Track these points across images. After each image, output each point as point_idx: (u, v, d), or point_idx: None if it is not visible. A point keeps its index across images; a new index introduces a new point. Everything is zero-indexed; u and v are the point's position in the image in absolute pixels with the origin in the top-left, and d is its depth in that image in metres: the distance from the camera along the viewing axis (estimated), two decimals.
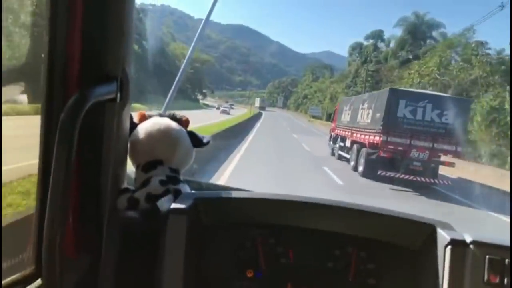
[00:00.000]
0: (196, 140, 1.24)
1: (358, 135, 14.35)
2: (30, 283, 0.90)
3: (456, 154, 12.64)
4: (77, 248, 0.98)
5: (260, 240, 1.17)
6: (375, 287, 1.12)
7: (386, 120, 12.21)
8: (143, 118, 1.23)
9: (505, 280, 0.95)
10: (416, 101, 12.20)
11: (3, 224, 1.03)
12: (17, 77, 1.29)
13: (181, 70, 1.88)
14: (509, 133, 18.02)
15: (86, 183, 0.99)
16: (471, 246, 0.97)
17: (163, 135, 1.18)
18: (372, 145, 12.84)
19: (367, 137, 13.38)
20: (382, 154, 12.31)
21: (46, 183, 0.80)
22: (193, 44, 2.00)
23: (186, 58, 1.96)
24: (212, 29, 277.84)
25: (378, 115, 12.82)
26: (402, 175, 11.97)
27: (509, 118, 20.13)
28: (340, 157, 16.49)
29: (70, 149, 0.78)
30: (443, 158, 12.69)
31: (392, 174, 12.00)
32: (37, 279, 0.90)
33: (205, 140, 1.26)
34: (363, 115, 14.54)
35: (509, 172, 16.70)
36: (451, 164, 12.72)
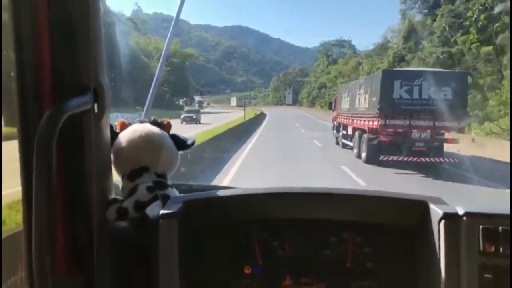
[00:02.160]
0: (179, 143, 1.27)
1: (358, 122, 14.63)
2: None
3: (459, 130, 12.81)
4: (69, 266, 1.00)
5: (255, 235, 1.20)
6: (374, 270, 1.17)
7: (382, 103, 12.47)
8: (124, 126, 1.25)
9: (500, 248, 0.98)
10: (411, 80, 12.42)
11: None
12: None
13: (158, 69, 1.87)
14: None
15: (71, 198, 1.00)
16: (464, 218, 1.01)
17: (145, 141, 1.20)
18: (372, 130, 13.10)
19: (366, 122, 13.65)
20: (382, 138, 12.55)
21: (30, 201, 0.80)
22: (168, 36, 1.96)
23: (163, 54, 1.93)
24: (209, 32, 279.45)
25: (374, 99, 13.08)
26: (406, 158, 12.21)
27: None
28: (344, 146, 16.79)
29: (49, 165, 0.79)
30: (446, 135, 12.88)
31: (394, 158, 12.23)
32: None
33: (189, 142, 1.30)
34: (361, 100, 14.82)
35: None
36: (455, 141, 12.89)
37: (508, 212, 1.02)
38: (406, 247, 1.15)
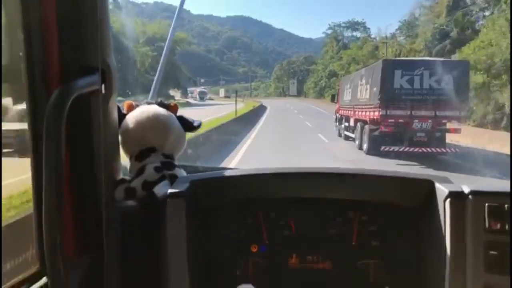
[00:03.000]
0: (187, 124, 1.31)
1: (360, 113, 14.78)
2: (36, 282, 0.95)
3: (461, 120, 12.91)
4: (79, 245, 1.03)
5: (261, 215, 1.25)
6: (379, 248, 1.20)
7: (383, 94, 12.61)
8: (131, 107, 1.29)
9: (506, 225, 1.01)
10: (412, 70, 12.55)
11: (7, 222, 1.07)
12: None
13: (163, 56, 1.92)
14: None
15: (80, 179, 1.02)
16: (470, 196, 1.03)
17: (153, 122, 1.24)
18: (374, 121, 13.25)
19: (367, 113, 13.79)
20: (383, 129, 12.71)
21: (40, 182, 0.82)
22: (173, 24, 2.00)
23: (166, 44, 1.95)
24: (211, 22, 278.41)
25: (375, 89, 13.23)
26: (407, 148, 12.35)
27: None
28: (347, 138, 16.96)
29: (59, 144, 0.81)
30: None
31: (396, 148, 12.38)
32: (42, 277, 0.94)
33: (195, 124, 1.33)
34: (362, 92, 14.96)
35: None
36: (457, 131, 13.01)
37: None
38: (411, 225, 1.19)
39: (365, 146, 13.81)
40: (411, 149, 12.34)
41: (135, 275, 1.12)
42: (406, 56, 27.91)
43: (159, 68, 1.85)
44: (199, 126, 1.34)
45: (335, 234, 1.22)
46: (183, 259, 1.06)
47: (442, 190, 1.08)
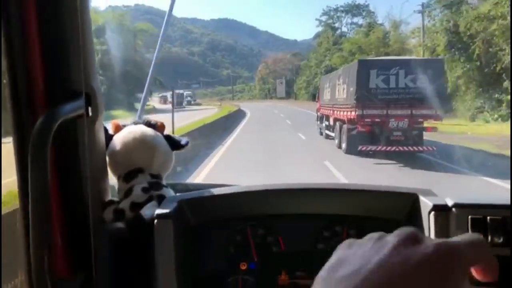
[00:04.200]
0: (173, 143, 1.33)
1: (338, 112, 15.15)
2: None
3: (437, 118, 13.34)
4: (69, 267, 1.05)
5: (250, 232, 1.28)
6: None
7: (359, 94, 12.98)
8: (118, 128, 1.31)
9: (489, 237, 1.03)
10: (387, 69, 12.96)
11: None
12: None
13: (151, 68, 1.89)
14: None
15: (68, 202, 1.05)
16: (453, 209, 1.07)
17: (139, 142, 1.26)
18: (351, 121, 13.60)
19: (345, 113, 14.15)
20: (360, 128, 13.07)
21: (27, 206, 0.84)
22: (162, 29, 1.92)
23: (155, 55, 1.88)
24: (195, 25, 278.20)
25: (351, 89, 13.60)
26: (384, 147, 12.72)
27: None
28: (327, 136, 17.32)
29: (45, 169, 0.84)
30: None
31: (373, 147, 12.74)
32: None
33: (183, 142, 1.35)
34: (340, 91, 15.36)
35: None
36: (434, 129, 13.46)
37: (497, 202, 1.09)
38: None
39: (343, 145, 14.19)
40: (388, 148, 12.69)
41: None
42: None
43: (146, 85, 1.87)
44: (186, 144, 1.36)
45: (324, 248, 1.26)
46: (172, 280, 1.09)
47: (426, 203, 1.12)
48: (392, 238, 0.46)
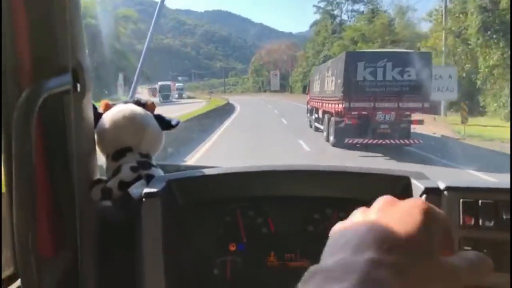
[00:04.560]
0: (164, 123, 1.33)
1: (327, 105, 15.24)
2: (11, 284, 0.98)
3: (424, 111, 13.49)
4: (54, 246, 1.05)
5: (239, 213, 1.28)
6: None
7: (346, 86, 13.09)
8: (108, 107, 1.31)
9: (480, 221, 1.03)
10: (375, 62, 13.05)
11: None
12: None
13: (143, 54, 1.91)
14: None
15: (55, 179, 1.05)
16: (445, 192, 1.06)
17: (129, 121, 1.25)
18: (338, 113, 13.67)
19: (333, 105, 14.23)
20: (347, 121, 13.19)
21: (11, 184, 0.84)
22: (154, 19, 1.98)
23: (147, 39, 1.94)
24: (188, 16, 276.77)
25: (339, 81, 13.69)
26: (371, 140, 12.84)
27: None
28: (317, 129, 17.43)
29: (29, 145, 0.82)
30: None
31: (359, 140, 12.85)
32: (17, 279, 0.96)
33: (173, 122, 1.35)
34: (329, 83, 15.45)
35: None
36: (420, 122, 13.61)
37: (488, 186, 1.08)
38: None
39: (331, 138, 14.27)
40: (375, 141, 12.81)
41: (111, 276, 1.14)
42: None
43: (138, 67, 1.89)
44: (177, 124, 1.36)
45: (313, 231, 1.26)
46: (159, 259, 1.08)
47: (417, 186, 1.11)
48: (375, 205, 0.54)
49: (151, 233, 1.09)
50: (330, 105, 14.69)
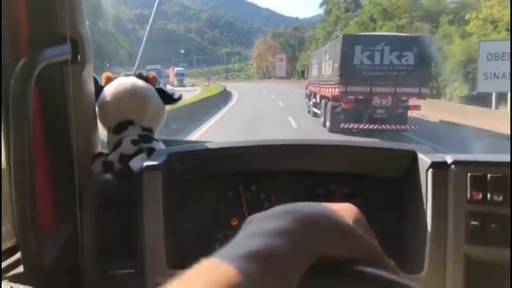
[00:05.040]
0: (166, 97, 1.34)
1: (324, 89, 15.20)
2: (12, 255, 1.00)
3: (421, 96, 13.40)
4: (54, 218, 1.06)
5: (242, 187, 1.27)
6: None
7: (343, 70, 13.05)
8: (109, 80, 1.31)
9: (488, 195, 1.02)
10: (372, 45, 12.98)
11: None
12: None
13: (147, 29, 1.98)
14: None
15: (55, 152, 1.05)
16: (453, 166, 1.05)
17: (130, 94, 1.26)
18: (335, 98, 13.66)
19: (330, 89, 14.20)
20: (343, 105, 13.16)
21: (10, 155, 0.85)
22: (156, 3, 2.08)
23: (149, 24, 2.03)
24: (193, 1, 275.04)
25: (336, 65, 13.65)
26: (367, 125, 12.85)
27: None
28: (315, 114, 17.40)
29: (27, 116, 0.83)
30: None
31: (355, 125, 12.86)
32: (18, 251, 0.99)
33: (176, 96, 1.36)
34: (326, 67, 15.40)
35: None
36: (416, 108, 13.53)
37: (497, 160, 1.08)
38: (394, 196, 1.21)
39: (327, 123, 14.27)
40: (371, 126, 12.82)
41: (111, 248, 1.14)
42: None
43: (143, 42, 1.94)
44: (179, 98, 1.37)
45: None
46: (160, 232, 1.09)
47: (424, 160, 1.10)
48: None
49: (152, 206, 1.09)
50: (327, 89, 14.64)
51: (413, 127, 13.22)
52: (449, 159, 1.07)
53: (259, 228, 0.45)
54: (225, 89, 34.87)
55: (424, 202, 1.08)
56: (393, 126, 12.94)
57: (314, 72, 18.14)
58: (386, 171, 1.22)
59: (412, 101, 13.52)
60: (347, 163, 1.25)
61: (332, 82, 13.94)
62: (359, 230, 0.51)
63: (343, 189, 1.25)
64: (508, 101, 16.69)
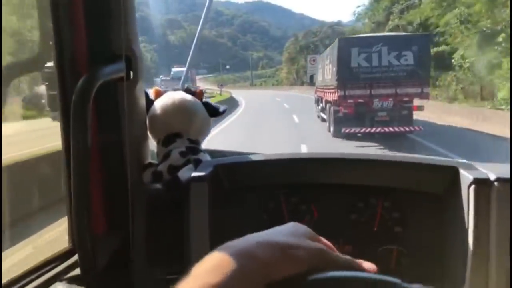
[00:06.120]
0: (212, 110, 1.42)
1: (327, 94, 15.33)
2: (67, 259, 1.08)
3: (423, 96, 13.29)
4: (108, 225, 1.14)
5: (283, 199, 1.31)
6: (401, 235, 1.23)
7: (340, 74, 13.16)
8: (159, 94, 1.40)
9: None
10: (369, 47, 13.05)
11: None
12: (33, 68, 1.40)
13: (194, 41, 2.10)
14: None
15: (108, 162, 1.14)
16: (496, 183, 1.03)
17: (178, 108, 1.35)
18: (335, 102, 13.76)
19: (331, 94, 14.34)
20: (343, 110, 13.25)
21: (70, 168, 0.93)
22: (201, 20, 2.20)
23: (198, 30, 2.17)
24: (226, 7, 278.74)
25: (334, 69, 13.76)
26: (369, 129, 12.86)
27: None
28: (323, 119, 17.36)
29: (85, 129, 0.91)
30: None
31: (357, 129, 12.91)
32: (74, 255, 1.07)
33: (221, 109, 1.44)
34: (327, 72, 15.54)
35: None
36: (419, 108, 13.47)
37: None
38: (435, 212, 1.21)
39: (331, 128, 14.36)
40: (373, 130, 12.83)
41: (160, 254, 1.22)
42: None
43: (190, 56, 2.10)
44: (224, 111, 1.46)
45: (357, 219, 1.27)
46: (205, 241, 1.14)
47: (466, 176, 1.09)
48: None
49: (198, 215, 1.14)
50: (329, 94, 14.77)
51: (417, 128, 13.09)
52: (492, 176, 1.06)
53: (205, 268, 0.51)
54: (231, 97, 30.38)
55: (466, 218, 1.07)
56: (395, 129, 12.88)
57: (319, 77, 18.28)
58: (426, 186, 1.23)
59: (415, 102, 13.43)
60: (388, 177, 1.28)
61: (332, 87, 14.07)
62: (303, 242, 0.54)
63: (384, 203, 1.27)
64: None
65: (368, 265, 0.60)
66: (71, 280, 1.02)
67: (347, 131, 12.90)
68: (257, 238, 0.54)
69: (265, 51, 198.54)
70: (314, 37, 74.26)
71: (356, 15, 46.24)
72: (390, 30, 31.87)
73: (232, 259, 0.49)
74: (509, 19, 16.39)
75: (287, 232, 0.56)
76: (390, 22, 35.50)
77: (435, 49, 21.81)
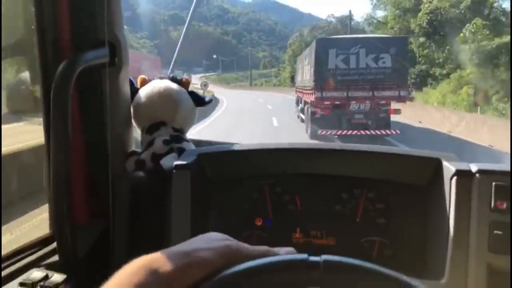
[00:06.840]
0: (198, 99, 1.43)
1: (305, 95, 15.36)
2: (46, 246, 1.08)
3: (400, 99, 13.30)
4: (88, 212, 1.14)
5: (267, 189, 1.32)
6: (384, 226, 1.25)
7: (317, 75, 13.19)
8: (144, 82, 1.41)
9: None
10: (347, 48, 13.08)
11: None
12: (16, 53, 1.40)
13: (183, 31, 2.21)
14: None
15: (90, 150, 1.14)
16: (477, 175, 1.07)
17: (164, 96, 1.36)
18: (312, 104, 13.77)
19: (309, 95, 14.35)
20: (319, 111, 13.26)
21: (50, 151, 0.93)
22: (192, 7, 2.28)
23: (187, 20, 2.23)
24: (233, 5, 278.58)
25: (312, 70, 13.81)
26: (345, 131, 12.84)
27: None
28: (302, 120, 17.26)
29: (66, 115, 0.91)
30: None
31: (333, 132, 12.86)
32: (53, 242, 1.07)
33: (207, 99, 1.46)
34: (306, 72, 15.64)
35: None
36: (397, 112, 13.40)
37: None
38: (417, 203, 1.24)
39: (308, 130, 14.35)
40: (349, 132, 12.80)
41: (141, 243, 1.21)
42: None
43: (179, 44, 2.10)
44: (210, 101, 1.49)
45: (340, 210, 1.28)
46: (187, 229, 1.15)
47: (448, 168, 1.13)
48: None
49: (180, 203, 1.16)
50: (307, 95, 14.79)
51: (393, 131, 13.07)
52: (473, 167, 1.10)
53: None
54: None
55: (448, 209, 1.10)
56: (372, 132, 12.86)
57: (299, 77, 18.34)
58: (410, 177, 1.26)
59: (393, 105, 13.40)
60: (372, 168, 1.29)
61: (309, 88, 14.09)
62: (211, 244, 0.57)
63: (368, 194, 1.29)
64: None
65: (286, 250, 0.62)
66: (49, 267, 1.02)
67: (323, 133, 12.86)
68: (163, 251, 0.56)
69: (270, 50, 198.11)
70: (321, 32, 64.50)
71: (373, 2, 41.17)
72: (427, 14, 28.27)
73: (132, 276, 0.51)
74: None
75: (199, 239, 0.59)
76: (425, 5, 29.26)
77: None
